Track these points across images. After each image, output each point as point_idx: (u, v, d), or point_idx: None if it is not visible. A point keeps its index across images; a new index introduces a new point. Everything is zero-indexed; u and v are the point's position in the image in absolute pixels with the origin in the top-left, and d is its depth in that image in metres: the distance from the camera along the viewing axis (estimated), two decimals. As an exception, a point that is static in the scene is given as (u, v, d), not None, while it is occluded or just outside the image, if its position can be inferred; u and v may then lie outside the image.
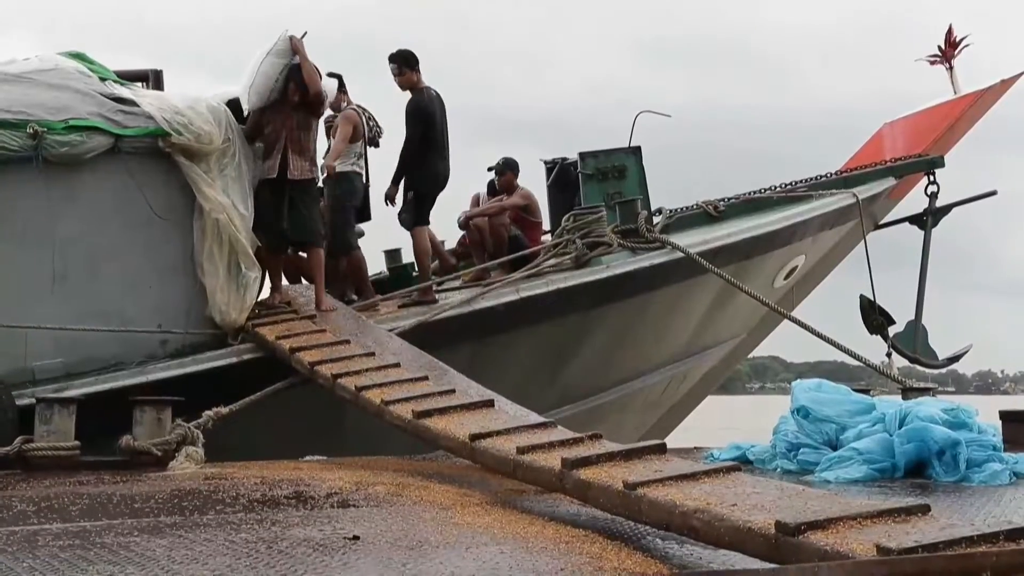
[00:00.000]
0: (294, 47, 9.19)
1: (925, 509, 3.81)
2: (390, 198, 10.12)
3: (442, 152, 10.06)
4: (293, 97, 9.16)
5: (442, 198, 10.30)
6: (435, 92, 10.10)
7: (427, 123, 9.93)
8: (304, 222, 9.29)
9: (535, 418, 6.44)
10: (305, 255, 9.86)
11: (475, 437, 5.91)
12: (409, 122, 9.96)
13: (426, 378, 7.32)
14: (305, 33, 9.23)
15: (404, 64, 10.05)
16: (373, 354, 7.93)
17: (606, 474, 4.82)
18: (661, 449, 5.16)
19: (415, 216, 10.08)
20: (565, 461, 5.04)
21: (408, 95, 10.06)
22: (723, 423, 21.47)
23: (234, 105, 9.22)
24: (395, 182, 10.07)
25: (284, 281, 9.71)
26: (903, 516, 3.76)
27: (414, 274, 11.39)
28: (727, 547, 3.99)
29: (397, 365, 7.65)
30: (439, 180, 10.07)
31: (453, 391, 6.99)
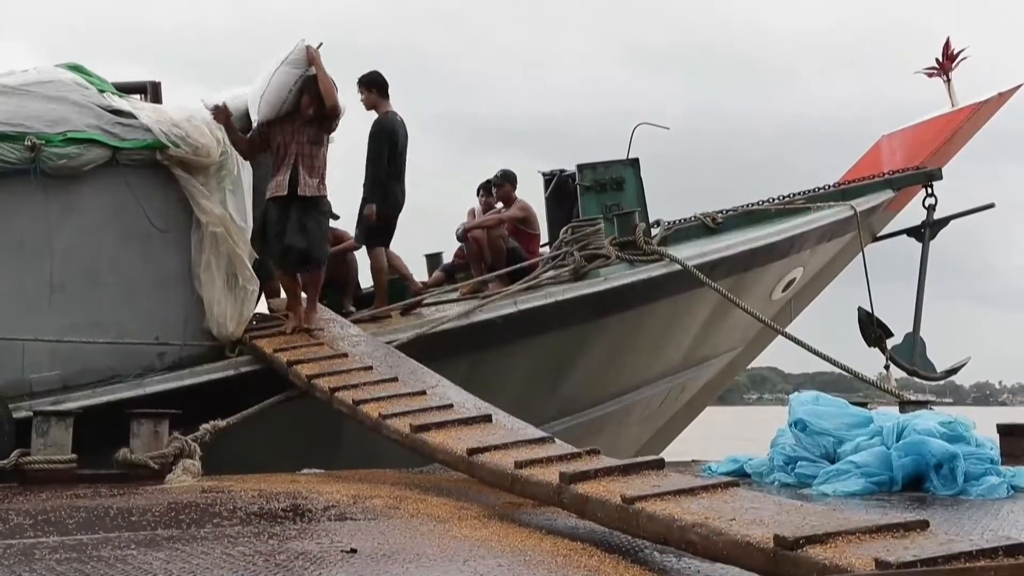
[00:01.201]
0: (310, 57, 8.76)
1: (924, 525, 3.81)
2: (369, 217, 9.87)
3: (399, 176, 9.98)
4: (307, 110, 8.77)
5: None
6: (399, 118, 10.03)
7: (390, 144, 9.86)
8: (310, 239, 8.84)
9: (533, 432, 6.43)
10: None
11: (472, 451, 5.90)
12: (372, 143, 9.88)
13: (423, 392, 7.32)
14: (320, 44, 8.83)
15: (366, 87, 10.04)
16: (371, 367, 7.92)
17: (604, 489, 4.81)
18: (659, 464, 5.17)
19: (367, 235, 10.00)
20: (563, 475, 5.03)
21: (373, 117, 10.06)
22: (722, 433, 21.49)
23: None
24: (369, 200, 9.89)
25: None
26: (902, 531, 3.75)
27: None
28: (725, 561, 3.99)
29: (395, 379, 7.64)
30: (397, 203, 10.01)
31: (451, 405, 6.98)
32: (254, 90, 8.88)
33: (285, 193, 8.73)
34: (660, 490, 4.60)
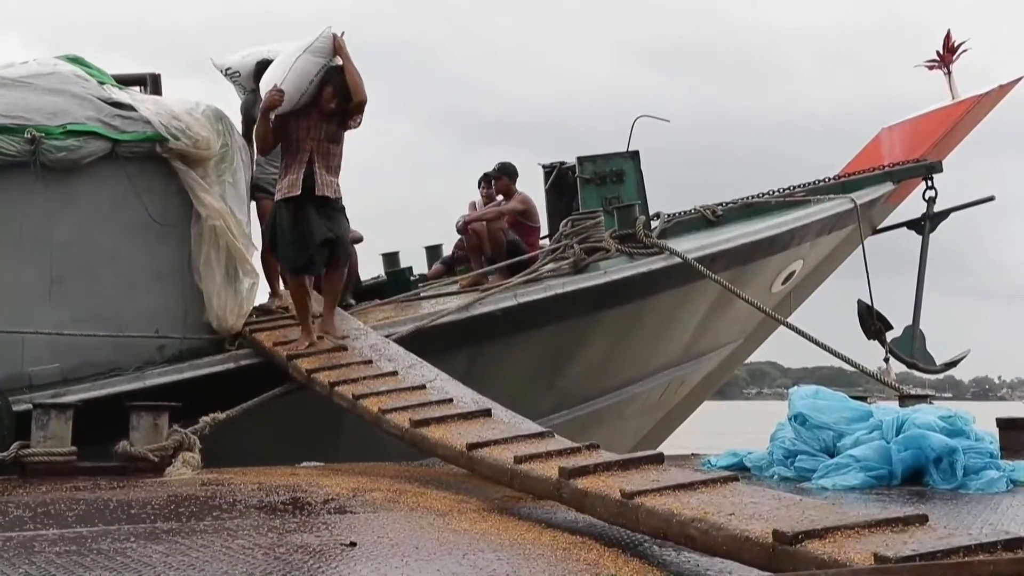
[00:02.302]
0: (337, 46, 8.17)
1: (923, 519, 3.81)
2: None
3: None
4: (329, 103, 8.18)
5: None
6: None
7: None
8: (340, 232, 8.44)
9: (532, 428, 6.43)
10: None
11: (472, 446, 5.89)
12: None
13: (423, 387, 7.31)
14: (343, 32, 8.29)
15: None
16: (370, 362, 7.91)
17: (603, 483, 4.81)
18: (659, 459, 5.16)
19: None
20: (562, 470, 5.03)
21: None
22: (720, 428, 21.52)
23: (264, 67, 8.73)
24: None
25: (282, 287, 9.65)
26: (901, 526, 3.76)
27: (412, 278, 11.40)
28: (724, 556, 4.00)
29: (395, 373, 7.63)
30: None
31: (451, 400, 6.97)
32: (269, 77, 8.35)
33: (298, 193, 8.20)
34: (659, 485, 4.60)
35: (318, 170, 8.20)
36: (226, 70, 9.44)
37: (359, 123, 8.44)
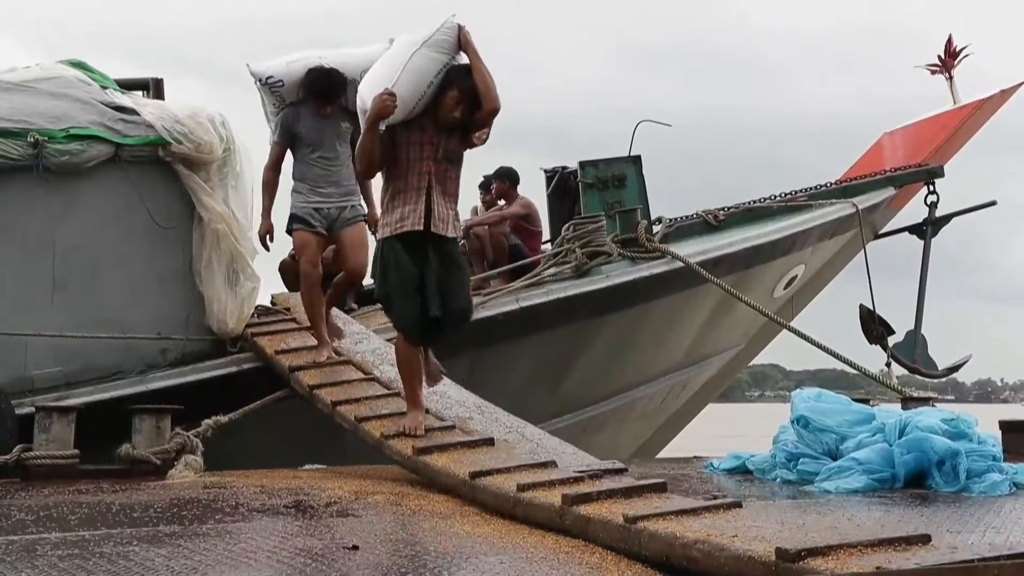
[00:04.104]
0: (463, 41, 6.45)
1: (926, 539, 3.84)
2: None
3: None
4: (451, 112, 6.40)
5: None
6: None
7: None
8: (461, 301, 6.73)
9: (536, 454, 6.36)
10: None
11: (475, 475, 5.84)
12: None
13: (427, 409, 7.22)
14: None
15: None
16: (373, 377, 7.79)
17: (606, 510, 4.82)
18: (662, 488, 5.20)
19: None
20: (565, 498, 5.02)
21: None
22: (722, 431, 21.53)
23: (317, 76, 8.10)
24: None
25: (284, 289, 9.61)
26: (904, 544, 3.78)
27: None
28: (727, 577, 4.00)
29: (398, 393, 7.38)
30: None
31: (453, 427, 6.88)
32: (375, 77, 6.59)
33: (421, 228, 6.46)
34: (662, 510, 4.64)
35: (436, 198, 6.49)
36: (266, 78, 8.27)
37: (486, 139, 6.73)
